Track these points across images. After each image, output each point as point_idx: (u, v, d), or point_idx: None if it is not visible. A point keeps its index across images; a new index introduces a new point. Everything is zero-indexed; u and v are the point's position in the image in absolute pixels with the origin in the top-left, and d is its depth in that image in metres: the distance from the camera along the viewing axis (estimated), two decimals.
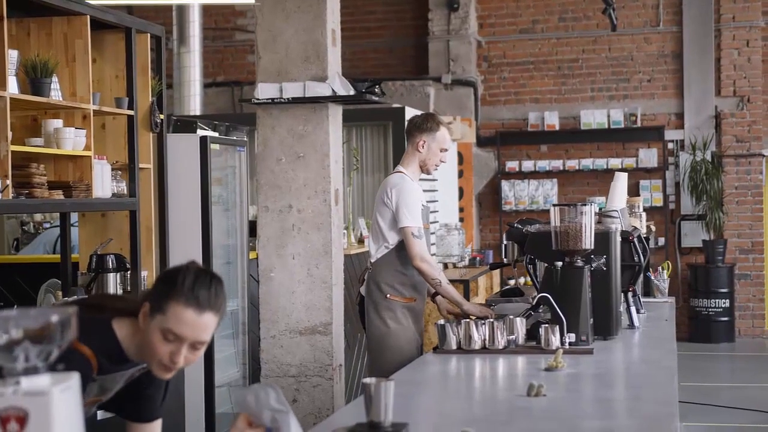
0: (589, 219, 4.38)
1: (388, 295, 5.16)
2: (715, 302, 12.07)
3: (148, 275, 5.70)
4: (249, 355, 6.75)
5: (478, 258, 10.65)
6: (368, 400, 2.72)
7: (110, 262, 5.34)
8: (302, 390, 5.74)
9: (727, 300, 12.10)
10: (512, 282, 12.05)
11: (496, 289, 10.92)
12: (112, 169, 5.39)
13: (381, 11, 13.43)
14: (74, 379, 1.77)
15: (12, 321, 1.72)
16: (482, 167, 12.86)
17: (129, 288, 5.51)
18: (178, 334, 2.49)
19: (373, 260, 5.26)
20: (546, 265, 4.52)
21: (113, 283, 5.33)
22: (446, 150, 5.31)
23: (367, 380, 2.73)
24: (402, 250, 5.13)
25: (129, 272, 5.49)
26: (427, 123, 5.28)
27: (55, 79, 4.86)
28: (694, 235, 12.43)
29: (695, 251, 12.51)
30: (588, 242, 4.37)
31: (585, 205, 4.40)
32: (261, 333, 5.73)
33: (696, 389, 9.29)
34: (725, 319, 12.11)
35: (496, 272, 11.01)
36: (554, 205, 4.45)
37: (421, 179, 9.11)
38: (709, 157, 12.20)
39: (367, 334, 5.28)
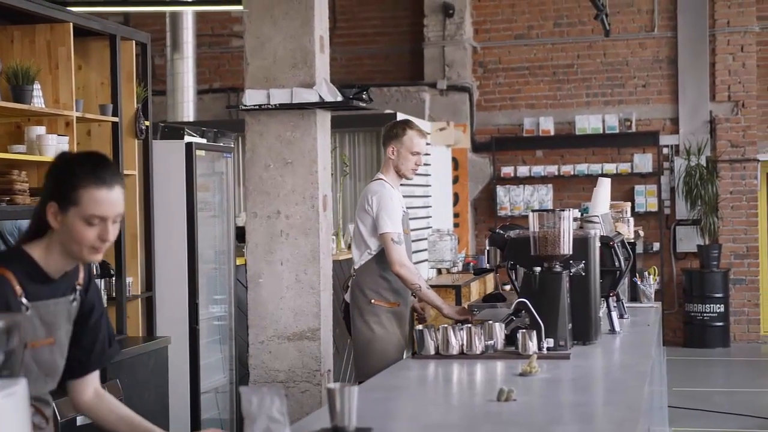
0: (567, 224, 4.38)
1: (372, 301, 5.24)
2: (710, 307, 12.07)
3: (133, 282, 5.72)
4: (236, 361, 6.77)
5: (471, 263, 10.66)
6: (332, 405, 2.74)
7: (95, 268, 5.36)
8: (290, 396, 5.74)
9: (722, 305, 12.09)
10: (508, 287, 12.05)
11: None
12: None
13: (377, 17, 13.46)
14: (20, 385, 1.78)
15: None
16: (477, 173, 12.87)
17: (114, 294, 5.53)
18: (100, 216, 2.59)
19: (356, 266, 5.35)
20: (525, 270, 4.53)
21: None
22: (418, 153, 5.34)
23: (331, 385, 2.75)
24: (384, 256, 5.18)
25: (114, 278, 5.50)
26: (393, 130, 5.37)
27: (37, 86, 4.88)
28: (689, 240, 12.43)
29: (690, 256, 12.51)
30: (566, 248, 4.38)
31: (563, 210, 4.41)
32: (249, 338, 5.74)
33: (690, 394, 9.29)
34: (720, 324, 12.11)
35: (490, 277, 11.01)
36: (533, 211, 4.47)
37: (412, 185, 9.13)
38: (704, 162, 12.21)
39: (353, 339, 5.34)
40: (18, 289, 2.59)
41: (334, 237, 7.35)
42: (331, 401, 2.73)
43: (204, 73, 12.97)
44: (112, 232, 2.62)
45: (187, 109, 10.44)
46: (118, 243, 5.54)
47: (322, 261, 5.98)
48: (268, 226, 5.93)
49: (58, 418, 2.87)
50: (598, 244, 4.67)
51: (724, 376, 10.96)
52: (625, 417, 3.04)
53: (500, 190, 12.80)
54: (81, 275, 2.79)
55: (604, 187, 5.44)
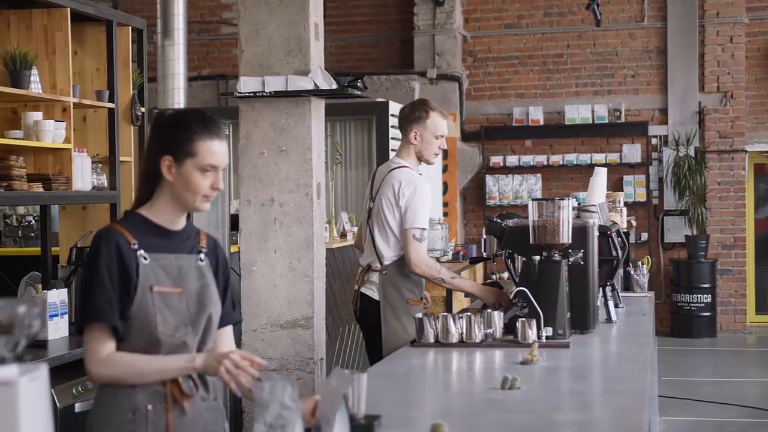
0: (566, 213, 4.39)
1: (408, 301, 4.99)
2: (697, 297, 12.13)
3: None
4: None
5: (461, 252, 10.68)
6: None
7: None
8: None
9: (709, 295, 12.16)
10: (495, 276, 12.09)
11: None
12: (93, 162, 5.39)
13: (366, 5, 13.44)
14: (42, 370, 1.78)
15: None
16: (467, 162, 12.88)
17: None
18: (215, 165, 2.83)
19: (386, 262, 5.02)
20: (524, 259, 4.53)
21: None
22: (442, 136, 5.07)
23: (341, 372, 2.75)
24: None
25: None
26: (415, 112, 5.07)
27: (34, 71, 4.85)
28: (676, 231, 12.49)
29: (678, 246, 12.56)
30: (565, 236, 4.39)
31: (563, 199, 4.42)
32: (242, 326, 5.73)
33: (677, 384, 9.34)
34: (707, 314, 12.18)
35: (480, 266, 11.05)
36: (532, 200, 4.46)
37: None
38: (692, 153, 12.26)
39: (384, 338, 5.03)
40: (131, 239, 2.78)
41: (326, 225, 7.34)
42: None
43: (193, 60, 12.91)
44: (222, 182, 2.85)
45: (177, 96, 10.33)
46: None
47: (316, 249, 5.98)
48: (261, 214, 5.93)
49: (215, 397, 2.93)
50: (596, 233, 4.68)
51: (711, 365, 11.02)
52: (630, 405, 3.06)
53: (489, 180, 12.81)
54: (203, 239, 2.96)
55: (601, 176, 5.45)
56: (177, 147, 2.81)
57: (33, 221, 9.18)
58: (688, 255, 12.31)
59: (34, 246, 8.43)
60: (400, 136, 9.75)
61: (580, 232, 4.54)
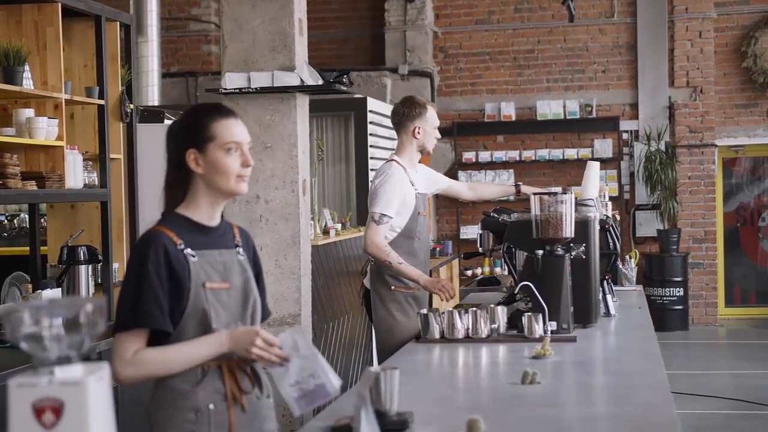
0: (569, 208, 4.39)
1: (393, 287, 5.16)
2: (669, 291, 12.22)
3: (119, 267, 5.63)
4: None
5: (437, 249, 10.67)
6: (374, 388, 2.72)
7: (82, 254, 5.26)
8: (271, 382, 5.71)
9: (681, 288, 12.25)
10: (469, 273, 12.10)
11: (456, 280, 10.96)
12: (83, 160, 5.31)
13: (337, 2, 13.40)
14: (105, 369, 1.74)
15: (44, 310, 1.69)
16: (439, 158, 12.86)
17: (101, 281, 5.44)
18: (236, 141, 2.82)
19: None
20: (526, 254, 4.52)
21: (85, 275, 5.25)
22: (437, 127, 5.37)
23: (373, 369, 2.72)
24: (402, 241, 5.11)
25: (101, 264, 5.41)
26: (415, 109, 5.28)
27: (27, 67, 4.77)
28: (648, 225, 12.56)
29: (650, 240, 12.64)
30: (568, 231, 4.38)
31: (565, 193, 4.42)
32: None
33: None
34: (679, 307, 12.26)
35: (455, 263, 11.06)
36: (534, 194, 4.46)
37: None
38: (663, 148, 12.33)
39: (375, 326, 5.25)
40: (177, 239, 2.75)
41: (311, 222, 7.29)
42: (375, 385, 2.71)
43: (162, 57, 12.78)
44: (250, 158, 2.84)
45: (151, 92, 10.26)
46: (105, 228, 5.44)
47: (303, 246, 5.95)
48: (247, 212, 5.89)
49: (268, 395, 2.90)
50: (597, 226, 4.69)
51: (684, 358, 11.10)
52: (658, 398, 3.06)
53: (462, 176, 12.81)
54: (237, 233, 2.94)
55: (594, 170, 5.44)
56: (196, 137, 2.81)
57: (5, 221, 9.06)
58: (659, 249, 12.39)
59: (5, 246, 8.32)
60: (379, 133, 9.76)
61: (582, 226, 4.55)
